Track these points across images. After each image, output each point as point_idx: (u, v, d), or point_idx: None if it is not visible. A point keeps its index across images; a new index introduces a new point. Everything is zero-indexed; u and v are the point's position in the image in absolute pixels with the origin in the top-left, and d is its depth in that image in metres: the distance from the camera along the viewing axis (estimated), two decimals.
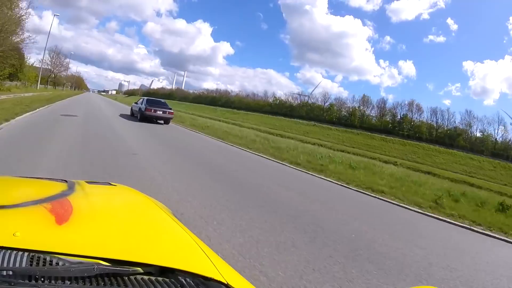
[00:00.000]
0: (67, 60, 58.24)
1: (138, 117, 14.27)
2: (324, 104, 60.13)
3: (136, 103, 15.91)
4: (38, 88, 32.20)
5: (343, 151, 24.37)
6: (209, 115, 48.41)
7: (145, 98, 15.90)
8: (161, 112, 14.05)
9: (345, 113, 59.40)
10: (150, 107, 13.80)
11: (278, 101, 64.01)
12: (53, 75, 54.11)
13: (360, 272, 2.41)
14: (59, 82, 61.04)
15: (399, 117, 52.26)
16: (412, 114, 53.24)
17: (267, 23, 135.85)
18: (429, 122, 49.25)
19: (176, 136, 11.20)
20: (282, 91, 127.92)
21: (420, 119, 49.81)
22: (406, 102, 51.97)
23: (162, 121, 14.61)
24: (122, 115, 15.75)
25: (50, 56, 51.56)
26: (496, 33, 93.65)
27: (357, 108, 57.04)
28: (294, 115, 59.83)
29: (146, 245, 0.70)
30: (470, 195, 7.47)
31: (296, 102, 63.41)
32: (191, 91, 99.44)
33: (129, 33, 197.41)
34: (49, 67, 50.95)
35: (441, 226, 4.58)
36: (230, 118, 51.00)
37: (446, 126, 47.45)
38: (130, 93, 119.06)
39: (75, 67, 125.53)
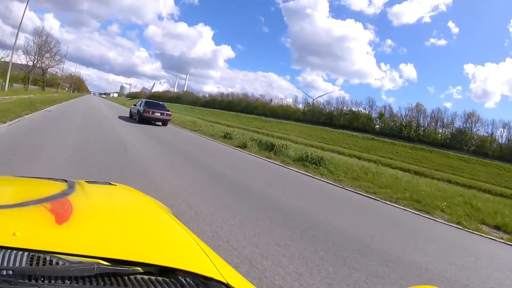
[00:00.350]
0: (59, 48, 39.14)
1: (137, 119, 14.21)
2: (371, 112, 49.85)
3: (135, 105, 16.15)
4: (6, 89, 21.04)
5: (450, 182, 19.92)
6: (237, 124, 38.42)
7: (144, 100, 16.08)
8: (159, 114, 14.05)
9: (393, 123, 50.08)
10: (149, 109, 13.76)
11: (313, 107, 53.30)
12: (42, 72, 37.57)
13: None
14: (52, 82, 47.98)
15: (455, 129, 45.26)
16: (472, 126, 45.11)
17: (268, 27, 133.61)
18: (486, 135, 43.24)
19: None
20: (283, 94, 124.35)
21: (477, 132, 43.49)
22: (466, 113, 44.85)
23: (160, 123, 14.51)
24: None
25: (34, 42, 33.11)
26: (497, 36, 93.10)
27: (413, 118, 47.38)
28: (335, 124, 49.76)
29: (146, 245, 0.69)
30: None
31: (333, 108, 52.75)
32: (201, 95, 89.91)
33: (130, 36, 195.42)
34: (31, 61, 33.09)
35: None
36: (263, 127, 40.89)
37: (508, 139, 41.50)
38: (134, 96, 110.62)
39: (74, 68, 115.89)
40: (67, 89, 73.24)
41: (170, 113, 14.72)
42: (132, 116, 15.56)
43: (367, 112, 49.71)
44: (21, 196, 0.85)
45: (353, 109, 50.77)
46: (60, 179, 1.05)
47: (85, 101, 30.52)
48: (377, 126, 48.60)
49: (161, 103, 16.13)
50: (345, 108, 50.87)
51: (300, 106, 57.88)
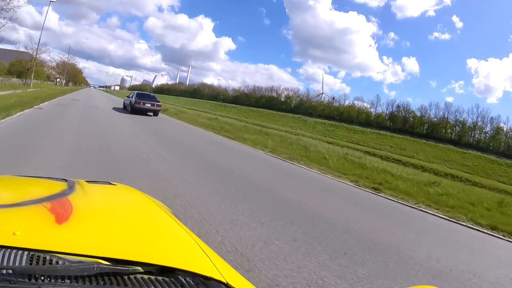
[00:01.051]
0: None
1: (129, 110, 14.85)
2: (484, 124, 35.20)
3: (127, 97, 16.71)
4: None
5: None
6: (313, 133, 29.64)
7: (135, 92, 16.81)
8: (149, 105, 14.64)
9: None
10: (140, 100, 14.45)
11: (409, 113, 37.64)
12: None
13: None
14: (20, 68, 30.26)
15: None
16: None
17: (270, 19, 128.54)
18: None
19: None
20: (284, 86, 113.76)
21: None
22: None
23: (151, 113, 15.11)
24: None
25: None
26: (501, 31, 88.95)
27: None
28: (441, 138, 34.35)
29: (146, 244, 0.69)
30: None
31: (433, 115, 37.12)
32: (221, 89, 74.02)
33: (130, 29, 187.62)
34: None
35: None
36: (364, 142, 25.39)
37: None
38: (137, 89, 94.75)
39: (66, 56, 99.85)
40: (56, 80, 55.46)
41: (160, 104, 15.41)
42: (125, 107, 16.07)
43: (480, 124, 35.09)
44: (21, 195, 0.85)
45: (460, 119, 36.00)
46: (60, 178, 1.05)
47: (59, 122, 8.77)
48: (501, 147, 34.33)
49: (152, 94, 17.25)
50: (450, 117, 35.77)
51: (377, 109, 42.40)
